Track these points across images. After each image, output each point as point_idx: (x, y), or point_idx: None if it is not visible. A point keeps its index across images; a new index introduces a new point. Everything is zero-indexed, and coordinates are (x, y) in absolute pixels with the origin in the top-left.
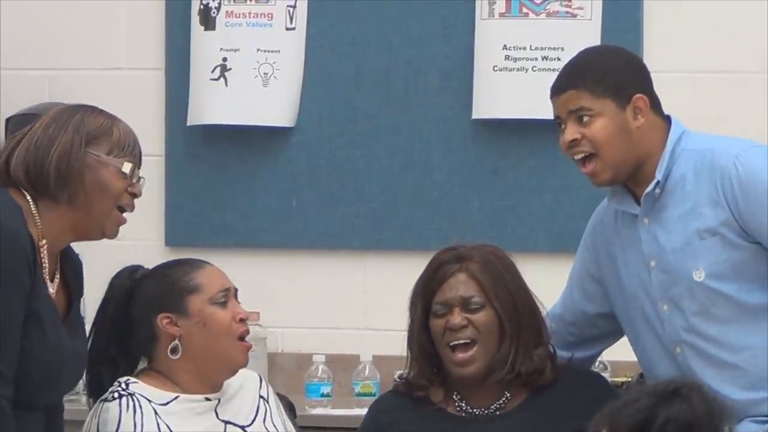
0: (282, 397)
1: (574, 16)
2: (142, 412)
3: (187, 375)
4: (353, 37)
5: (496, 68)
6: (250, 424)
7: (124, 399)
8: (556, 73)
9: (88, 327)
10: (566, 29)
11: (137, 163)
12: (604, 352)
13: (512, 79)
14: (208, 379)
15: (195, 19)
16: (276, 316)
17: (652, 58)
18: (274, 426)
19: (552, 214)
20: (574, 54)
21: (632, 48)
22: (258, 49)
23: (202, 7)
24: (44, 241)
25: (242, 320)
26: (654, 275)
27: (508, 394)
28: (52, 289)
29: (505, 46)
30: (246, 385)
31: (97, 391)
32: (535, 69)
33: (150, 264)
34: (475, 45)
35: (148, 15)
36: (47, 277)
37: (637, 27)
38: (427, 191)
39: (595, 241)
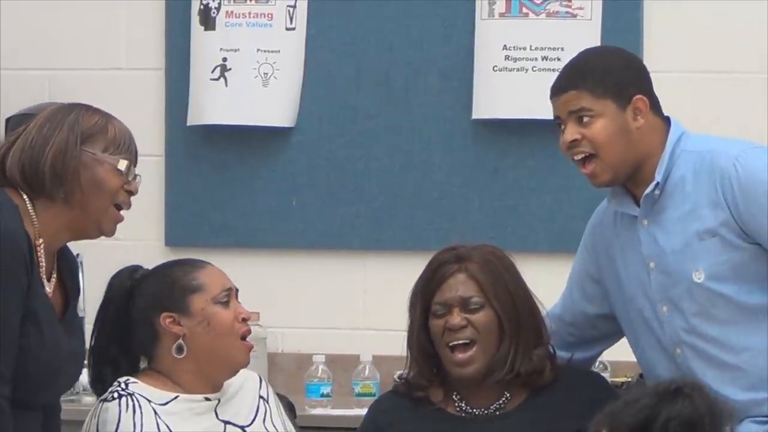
0: (282, 397)
1: (574, 16)
2: (141, 412)
3: (189, 375)
4: (353, 37)
5: (496, 68)
6: (249, 425)
7: (123, 399)
8: (556, 74)
9: (88, 327)
10: (566, 29)
11: (133, 161)
12: (604, 352)
13: (512, 79)
14: (209, 379)
15: (195, 19)
16: (276, 316)
17: (652, 58)
18: (274, 426)
19: (552, 214)
20: (574, 54)
21: (632, 48)
22: (258, 49)
23: (202, 7)
24: (41, 240)
25: (244, 320)
26: (653, 276)
27: (508, 395)
28: (49, 288)
29: (505, 46)
30: (246, 386)
31: (101, 391)
32: (535, 69)
33: (150, 264)
34: (475, 45)
35: (148, 15)
36: (44, 277)
37: (637, 27)
38: (427, 191)
39: (595, 241)
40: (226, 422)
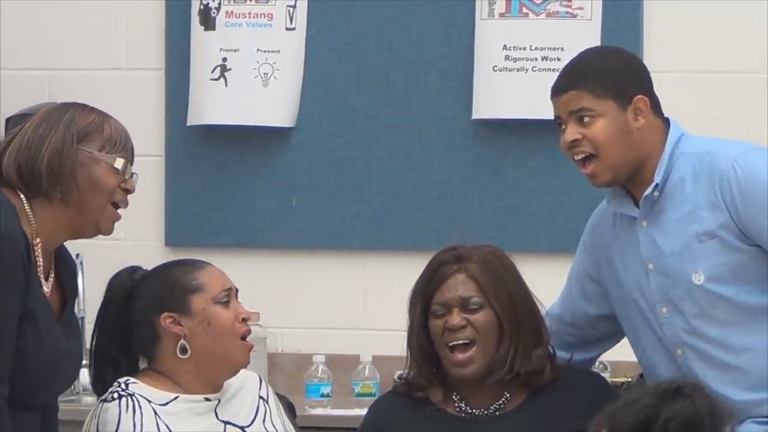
0: (282, 398)
1: (574, 16)
2: (141, 413)
3: (189, 375)
4: (353, 37)
5: (496, 68)
6: (249, 425)
7: (123, 399)
8: (556, 74)
9: (89, 327)
10: (566, 29)
11: (129, 159)
12: (604, 352)
13: (512, 79)
14: (209, 379)
15: (195, 19)
16: (276, 316)
17: (652, 58)
18: (274, 426)
19: (552, 214)
20: (574, 54)
21: (632, 48)
22: (258, 49)
23: (202, 7)
24: (38, 240)
25: (244, 320)
26: (652, 278)
27: (508, 395)
28: (46, 288)
29: (505, 46)
30: (246, 386)
31: (102, 391)
32: (535, 69)
33: (150, 264)
34: (475, 45)
35: (148, 15)
36: (42, 276)
37: (637, 27)
38: (427, 191)
39: (594, 242)
40: (226, 422)
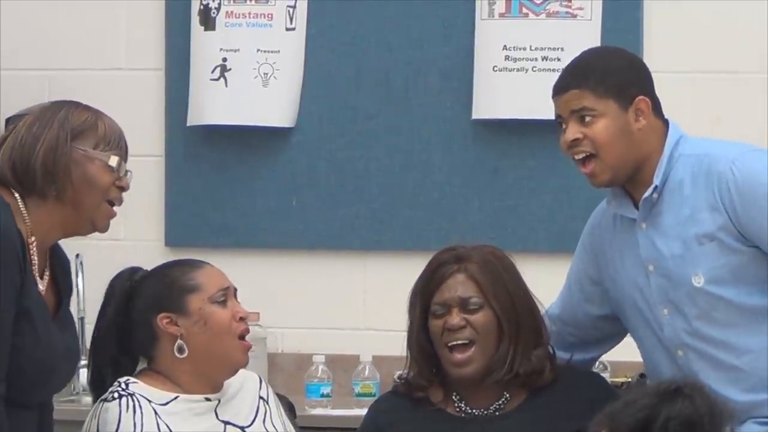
0: (282, 398)
1: (574, 16)
2: (141, 413)
3: (188, 375)
4: (353, 37)
5: (496, 68)
6: (249, 425)
7: (123, 399)
8: (556, 74)
9: (89, 327)
10: (566, 29)
11: (124, 157)
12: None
13: (512, 80)
14: (208, 379)
15: (195, 19)
16: (276, 316)
17: (652, 58)
18: (274, 427)
19: (552, 214)
20: (574, 54)
21: (632, 48)
22: (258, 50)
23: (202, 7)
24: (33, 238)
25: (242, 319)
26: (653, 280)
27: (507, 395)
28: (41, 286)
29: (505, 46)
30: (246, 386)
31: (100, 392)
32: (535, 69)
33: (150, 264)
34: (475, 45)
35: (148, 15)
36: (37, 275)
37: (637, 27)
38: (427, 191)
39: (594, 242)
40: (226, 423)
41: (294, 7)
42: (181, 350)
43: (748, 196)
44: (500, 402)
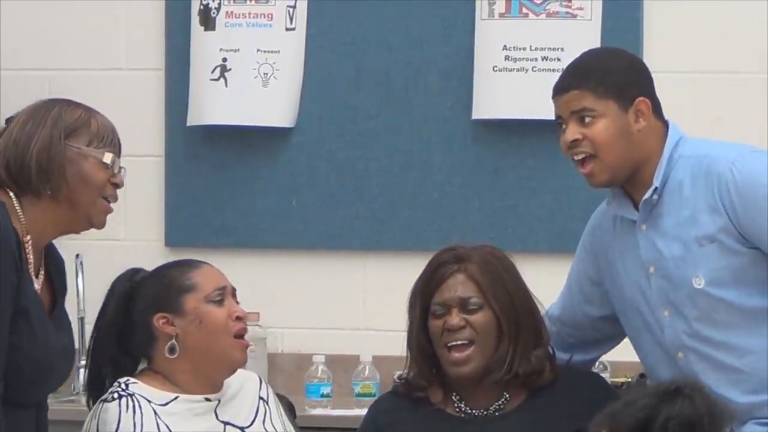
0: (282, 398)
1: (574, 16)
2: (141, 413)
3: (186, 375)
4: (353, 37)
5: (496, 68)
6: (249, 425)
7: (123, 399)
8: (556, 74)
9: (89, 327)
10: (566, 30)
11: (117, 153)
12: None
13: (512, 80)
14: (206, 378)
15: (195, 19)
16: (276, 316)
17: (652, 58)
18: (274, 427)
19: (552, 214)
20: (574, 54)
21: (632, 48)
22: (258, 50)
23: (202, 7)
24: (29, 237)
25: (239, 318)
26: (653, 281)
27: (507, 395)
28: (37, 285)
29: (505, 46)
30: (246, 386)
31: (98, 392)
32: (535, 69)
33: (150, 264)
34: (475, 45)
35: (148, 15)
36: (32, 273)
37: (637, 27)
38: (427, 191)
39: (594, 242)
40: (226, 423)
41: (294, 7)
42: (172, 350)
43: (748, 197)
44: (500, 402)
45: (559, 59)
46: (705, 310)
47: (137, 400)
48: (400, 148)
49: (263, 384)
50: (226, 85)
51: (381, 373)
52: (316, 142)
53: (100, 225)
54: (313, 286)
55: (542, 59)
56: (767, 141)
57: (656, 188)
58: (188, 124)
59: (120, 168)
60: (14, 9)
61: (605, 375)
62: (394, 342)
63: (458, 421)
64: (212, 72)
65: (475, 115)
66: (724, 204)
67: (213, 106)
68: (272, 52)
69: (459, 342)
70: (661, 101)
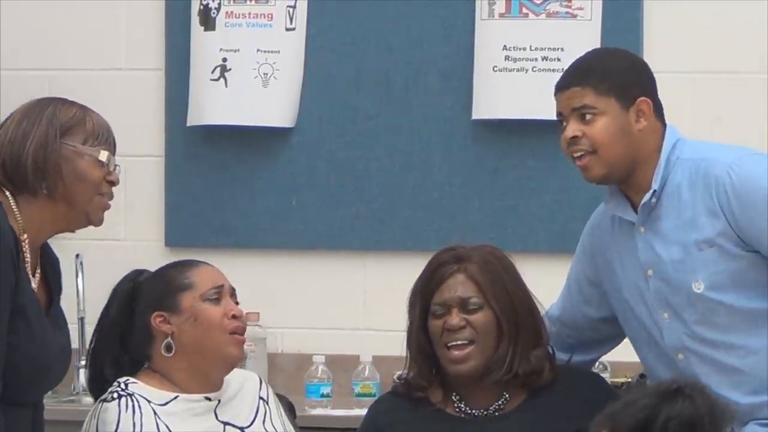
0: (282, 398)
1: (574, 16)
2: (141, 413)
3: (183, 373)
4: (353, 37)
5: (496, 68)
6: (249, 425)
7: (123, 399)
8: (556, 74)
9: (89, 327)
10: (566, 30)
11: (112, 151)
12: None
13: (512, 80)
14: (203, 376)
15: (195, 19)
16: (276, 316)
17: (652, 58)
18: (274, 427)
19: (552, 214)
20: (574, 55)
21: (632, 48)
22: (258, 50)
23: (202, 7)
24: (25, 236)
25: (235, 317)
26: (652, 284)
27: (507, 395)
28: (33, 284)
29: (505, 46)
30: (246, 386)
31: (100, 393)
32: (535, 69)
33: (150, 264)
34: (475, 45)
35: (148, 15)
36: (29, 272)
37: (637, 27)
38: (427, 191)
39: (593, 243)
40: (226, 423)
41: (294, 7)
42: (168, 349)
43: (746, 199)
44: (500, 402)
45: (559, 59)
46: (705, 313)
47: (137, 399)
48: (400, 148)
49: (263, 384)
50: (226, 85)
51: (381, 373)
52: (316, 142)
53: (98, 222)
54: (313, 286)
55: (542, 59)
56: (767, 141)
57: (655, 191)
58: (188, 124)
59: (115, 165)
60: (14, 9)
61: (605, 375)
62: (394, 342)
63: (458, 421)
64: (212, 72)
65: (475, 115)
66: (722, 207)
67: (213, 106)
68: (272, 52)
69: (459, 342)
70: (661, 101)
